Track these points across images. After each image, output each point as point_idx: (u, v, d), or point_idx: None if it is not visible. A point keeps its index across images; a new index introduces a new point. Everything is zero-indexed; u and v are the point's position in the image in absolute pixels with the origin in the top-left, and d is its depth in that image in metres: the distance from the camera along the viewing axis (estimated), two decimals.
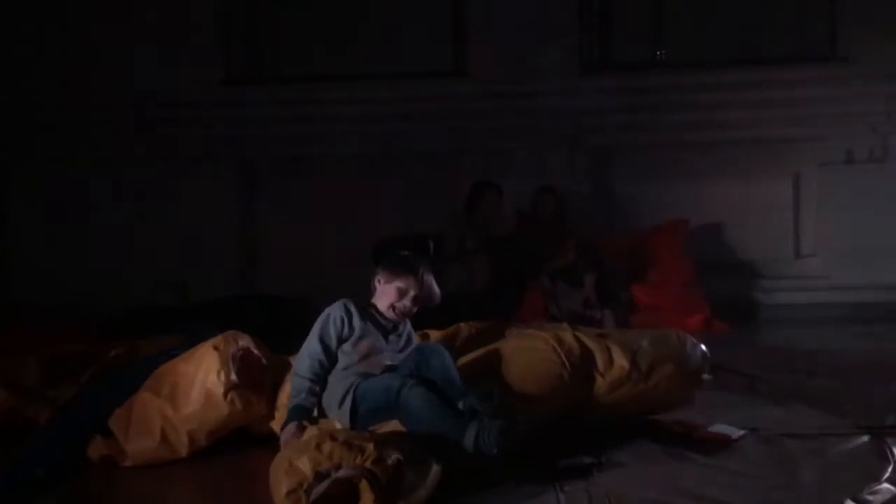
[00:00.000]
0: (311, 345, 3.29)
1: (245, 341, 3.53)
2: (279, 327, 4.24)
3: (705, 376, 3.55)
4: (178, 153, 6.96)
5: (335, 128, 6.96)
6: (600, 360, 3.34)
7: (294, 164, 7.05)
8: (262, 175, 7.17)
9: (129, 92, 6.87)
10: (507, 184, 6.42)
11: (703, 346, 3.58)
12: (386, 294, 3.39)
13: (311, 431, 3.00)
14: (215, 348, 3.38)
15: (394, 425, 2.99)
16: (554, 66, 6.84)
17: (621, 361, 3.34)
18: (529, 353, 3.31)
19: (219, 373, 3.32)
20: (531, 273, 6.08)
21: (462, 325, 3.77)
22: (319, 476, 2.54)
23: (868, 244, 6.57)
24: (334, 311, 3.32)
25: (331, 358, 3.27)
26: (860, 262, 6.57)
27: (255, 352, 3.56)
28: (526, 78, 6.81)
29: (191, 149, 6.97)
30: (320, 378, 3.24)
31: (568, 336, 3.40)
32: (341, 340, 3.29)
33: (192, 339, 3.60)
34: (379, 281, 3.42)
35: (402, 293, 3.36)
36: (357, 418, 3.10)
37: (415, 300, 3.37)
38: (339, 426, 3.08)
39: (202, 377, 3.33)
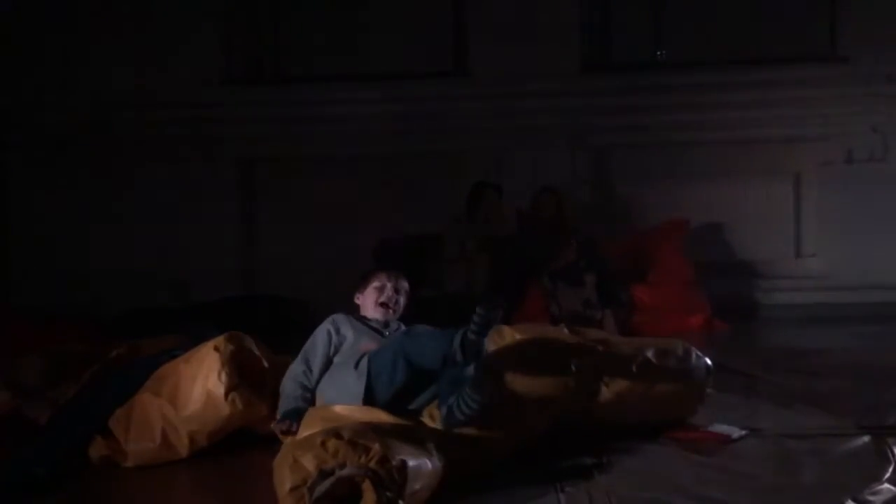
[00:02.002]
0: (295, 365, 3.39)
1: (246, 342, 3.53)
2: (280, 328, 4.24)
3: (709, 391, 3.55)
4: (178, 153, 6.96)
5: (335, 128, 6.96)
6: (605, 369, 3.34)
7: (294, 164, 7.05)
8: (262, 175, 7.17)
9: (128, 92, 6.87)
10: (507, 184, 6.42)
11: (708, 360, 3.58)
12: (368, 298, 3.57)
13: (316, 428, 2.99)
14: (216, 349, 3.38)
15: (384, 416, 2.98)
16: (554, 66, 6.84)
17: (625, 370, 3.34)
18: (535, 358, 3.30)
19: (220, 373, 3.32)
20: (532, 273, 6.08)
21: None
22: (323, 474, 2.54)
23: (868, 244, 6.58)
24: (320, 328, 3.44)
25: (313, 376, 3.33)
26: (860, 262, 6.57)
27: (257, 352, 3.56)
28: (526, 78, 6.81)
29: (191, 149, 6.97)
30: (308, 389, 3.31)
31: (573, 343, 3.40)
32: (329, 355, 3.36)
33: (193, 340, 3.60)
34: (358, 298, 3.62)
35: (380, 289, 3.55)
36: (371, 382, 3.09)
37: (396, 290, 3.54)
38: (340, 410, 3.05)
39: (203, 378, 3.33)
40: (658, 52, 7.20)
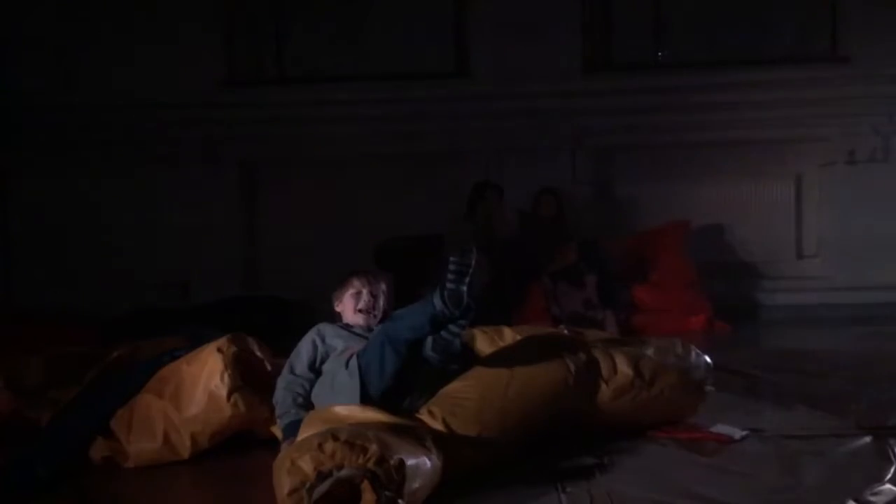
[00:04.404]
0: (284, 375, 3.37)
1: (249, 343, 3.53)
2: (282, 329, 4.25)
3: (708, 388, 3.56)
4: (179, 153, 6.95)
5: (335, 128, 6.96)
6: (604, 368, 3.35)
7: (294, 164, 7.05)
8: (262, 175, 7.16)
9: (129, 92, 6.87)
10: (508, 184, 6.42)
11: (707, 358, 3.58)
12: (347, 306, 3.54)
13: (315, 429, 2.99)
14: (219, 350, 3.39)
15: (382, 416, 2.97)
16: (555, 67, 6.83)
17: (625, 369, 3.36)
18: (535, 358, 3.30)
19: (222, 375, 3.32)
20: (532, 274, 6.08)
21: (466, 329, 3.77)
22: (321, 476, 2.54)
23: (869, 245, 6.57)
24: (305, 337, 3.42)
25: (306, 380, 3.31)
26: (862, 262, 6.56)
27: (259, 354, 3.56)
28: (527, 78, 6.80)
29: (191, 149, 6.97)
30: (301, 395, 3.28)
31: (573, 343, 3.41)
32: (316, 365, 3.34)
33: (194, 341, 3.60)
34: (337, 305, 3.59)
35: (357, 295, 3.52)
36: (363, 378, 3.08)
37: (372, 294, 3.52)
38: (339, 410, 3.04)
39: (205, 379, 3.33)
40: (659, 53, 7.19)
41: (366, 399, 3.06)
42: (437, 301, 2.91)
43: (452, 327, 3.01)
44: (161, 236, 6.83)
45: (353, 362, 3.13)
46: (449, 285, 2.91)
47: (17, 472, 3.14)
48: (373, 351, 3.07)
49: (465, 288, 2.93)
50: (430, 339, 3.05)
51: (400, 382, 3.07)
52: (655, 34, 7.17)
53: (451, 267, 2.93)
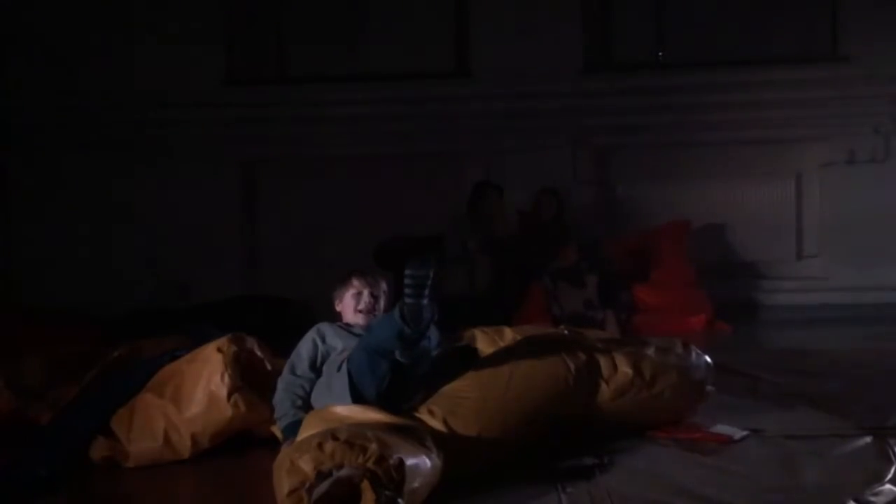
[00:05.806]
0: (284, 376, 3.35)
1: (249, 343, 3.53)
2: (282, 329, 4.23)
3: (709, 388, 3.56)
4: (179, 153, 6.96)
5: (335, 128, 6.97)
6: (605, 367, 3.35)
7: (294, 164, 7.06)
8: (262, 175, 7.17)
9: (129, 92, 6.87)
10: (508, 184, 6.42)
11: (708, 358, 3.59)
12: (347, 305, 3.54)
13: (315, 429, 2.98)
14: (219, 350, 3.39)
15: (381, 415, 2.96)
16: (555, 67, 6.84)
17: (625, 369, 3.36)
18: (535, 357, 3.30)
19: (223, 375, 3.32)
20: (533, 274, 6.08)
21: (466, 330, 3.78)
22: (321, 475, 2.54)
23: (870, 245, 6.58)
24: (305, 337, 3.41)
25: (307, 381, 3.30)
26: (862, 262, 6.57)
27: (259, 354, 3.56)
28: (527, 78, 6.81)
29: (191, 149, 6.97)
30: (300, 397, 3.27)
31: (573, 343, 3.41)
32: (317, 365, 3.33)
33: (195, 341, 3.60)
34: (337, 305, 3.58)
35: (358, 296, 3.51)
36: (354, 382, 3.06)
37: (372, 295, 3.50)
38: (340, 410, 3.02)
39: (206, 379, 3.34)
40: (659, 53, 7.20)
41: (359, 402, 3.05)
42: (397, 315, 2.82)
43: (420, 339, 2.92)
44: (161, 235, 6.83)
45: (344, 368, 3.13)
46: (407, 300, 2.82)
47: (17, 472, 3.14)
48: (359, 358, 3.06)
49: (424, 302, 2.82)
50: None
51: (392, 383, 3.07)
52: (656, 34, 7.18)
53: (407, 280, 2.82)
